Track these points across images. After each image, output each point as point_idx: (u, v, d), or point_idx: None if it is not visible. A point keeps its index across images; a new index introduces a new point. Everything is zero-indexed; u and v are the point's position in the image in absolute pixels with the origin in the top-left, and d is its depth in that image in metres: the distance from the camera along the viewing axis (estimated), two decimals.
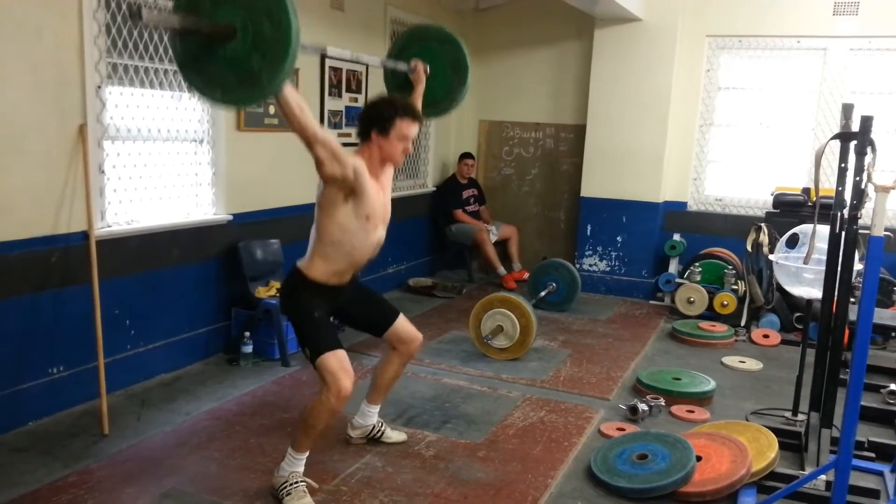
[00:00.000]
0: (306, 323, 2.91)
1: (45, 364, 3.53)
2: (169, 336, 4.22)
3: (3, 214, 3.26)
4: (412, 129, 2.96)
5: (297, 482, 2.87)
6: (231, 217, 4.55)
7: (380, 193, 2.98)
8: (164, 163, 4.16)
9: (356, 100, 5.77)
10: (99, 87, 3.63)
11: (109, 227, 3.77)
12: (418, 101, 3.40)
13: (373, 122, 2.92)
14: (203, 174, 4.43)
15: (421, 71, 3.42)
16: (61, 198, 3.50)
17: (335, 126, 5.54)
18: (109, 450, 3.27)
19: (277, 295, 4.45)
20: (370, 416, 3.40)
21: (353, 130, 5.75)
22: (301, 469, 2.91)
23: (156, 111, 4.05)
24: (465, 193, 7.06)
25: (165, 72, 4.07)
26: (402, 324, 3.27)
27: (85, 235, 3.58)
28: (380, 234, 3.02)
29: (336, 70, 5.47)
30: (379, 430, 3.42)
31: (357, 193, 2.82)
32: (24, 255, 3.36)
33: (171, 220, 4.19)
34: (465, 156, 7.08)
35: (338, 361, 2.80)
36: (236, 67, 2.34)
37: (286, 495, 2.84)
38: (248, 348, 4.42)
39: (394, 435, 3.45)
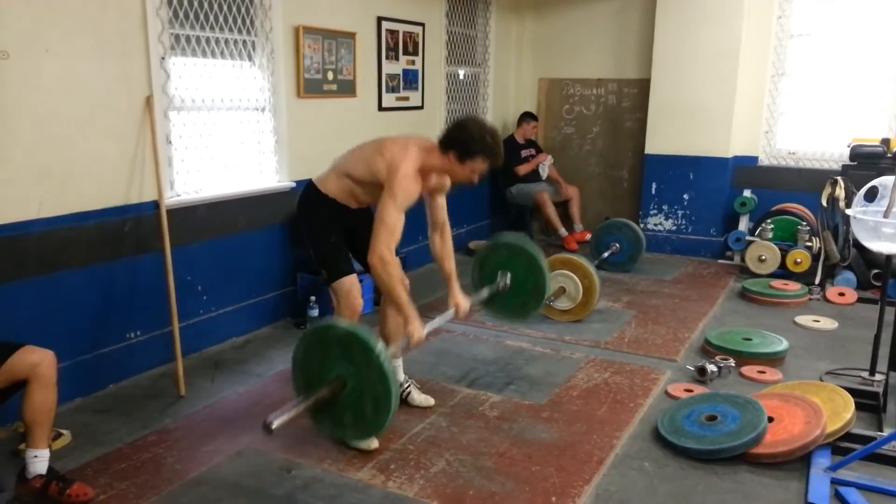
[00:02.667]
0: (324, 246, 3.20)
1: (122, 329, 3.68)
2: (239, 301, 4.34)
3: (78, 186, 3.39)
4: (486, 166, 3.06)
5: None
6: (294, 184, 4.61)
7: (416, 193, 3.05)
8: (228, 132, 4.23)
9: (413, 62, 5.74)
10: (163, 58, 3.70)
11: (178, 196, 3.88)
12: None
13: (457, 144, 2.99)
14: (266, 142, 4.50)
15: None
16: (132, 168, 3.62)
17: (392, 90, 5.52)
18: (186, 410, 3.42)
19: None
20: (396, 370, 3.38)
21: (410, 94, 5.75)
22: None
23: (218, 80, 4.11)
24: (524, 153, 6.95)
25: (226, 41, 4.12)
26: None
27: (156, 205, 3.69)
28: None
29: (393, 33, 5.44)
30: (405, 391, 3.43)
31: None
32: (99, 225, 3.49)
33: (236, 188, 4.28)
34: (530, 117, 6.94)
35: (350, 284, 3.18)
36: (352, 408, 2.58)
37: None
38: (315, 312, 4.51)
39: (419, 398, 3.44)
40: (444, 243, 3.39)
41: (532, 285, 3.67)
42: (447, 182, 3.21)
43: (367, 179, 3.10)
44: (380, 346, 2.50)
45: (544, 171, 6.90)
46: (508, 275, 3.65)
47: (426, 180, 3.10)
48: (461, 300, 3.36)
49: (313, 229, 3.23)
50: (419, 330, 2.97)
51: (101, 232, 3.51)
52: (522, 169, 6.82)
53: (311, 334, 2.64)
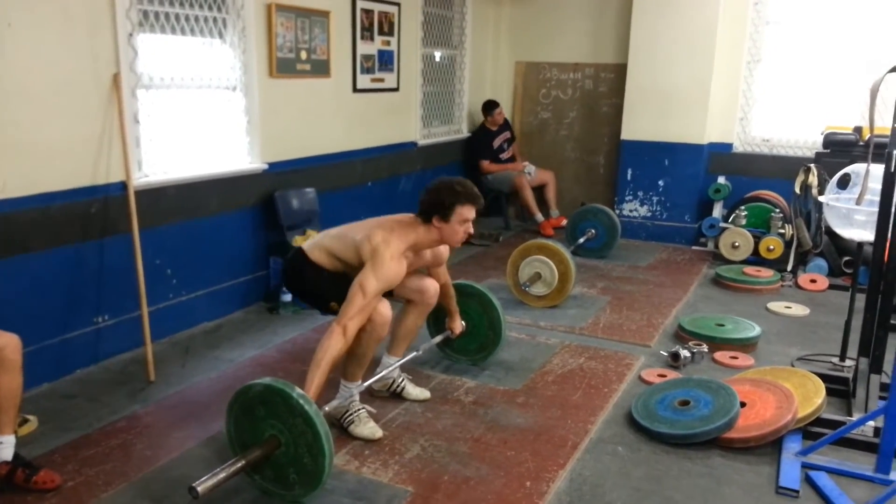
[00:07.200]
0: (323, 282, 3.10)
1: (90, 313, 3.60)
2: (210, 285, 4.27)
3: (43, 166, 3.29)
4: (472, 212, 3.04)
5: (358, 409, 3.01)
6: (266, 166, 4.54)
7: (401, 274, 3.01)
8: (198, 111, 4.13)
9: (388, 43, 5.66)
10: (131, 34, 3.59)
11: (147, 176, 3.79)
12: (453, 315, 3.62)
13: (434, 208, 2.98)
14: (237, 122, 4.41)
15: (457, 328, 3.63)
16: (98, 148, 3.52)
17: (367, 71, 5.44)
18: (156, 396, 3.35)
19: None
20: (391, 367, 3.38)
21: (385, 75, 5.67)
22: (357, 397, 3.02)
23: (188, 58, 4.01)
24: (497, 140, 6.87)
25: (196, 18, 4.01)
26: (411, 276, 3.25)
27: (123, 186, 3.60)
28: None
29: (368, 12, 5.35)
30: (399, 385, 3.37)
31: None
32: (65, 206, 3.39)
33: (207, 169, 4.19)
34: (493, 106, 6.78)
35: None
36: (293, 464, 2.46)
37: (350, 423, 2.99)
38: (288, 297, 4.45)
39: (414, 392, 3.37)
40: (447, 299, 3.49)
41: (487, 324, 3.68)
42: (444, 253, 3.31)
43: (356, 264, 2.98)
44: (297, 390, 2.41)
45: (532, 175, 6.87)
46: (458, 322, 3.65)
47: (420, 257, 3.16)
48: (456, 326, 3.60)
49: (308, 279, 3.12)
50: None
51: (68, 213, 3.41)
52: (489, 167, 6.81)
53: (235, 403, 2.53)
